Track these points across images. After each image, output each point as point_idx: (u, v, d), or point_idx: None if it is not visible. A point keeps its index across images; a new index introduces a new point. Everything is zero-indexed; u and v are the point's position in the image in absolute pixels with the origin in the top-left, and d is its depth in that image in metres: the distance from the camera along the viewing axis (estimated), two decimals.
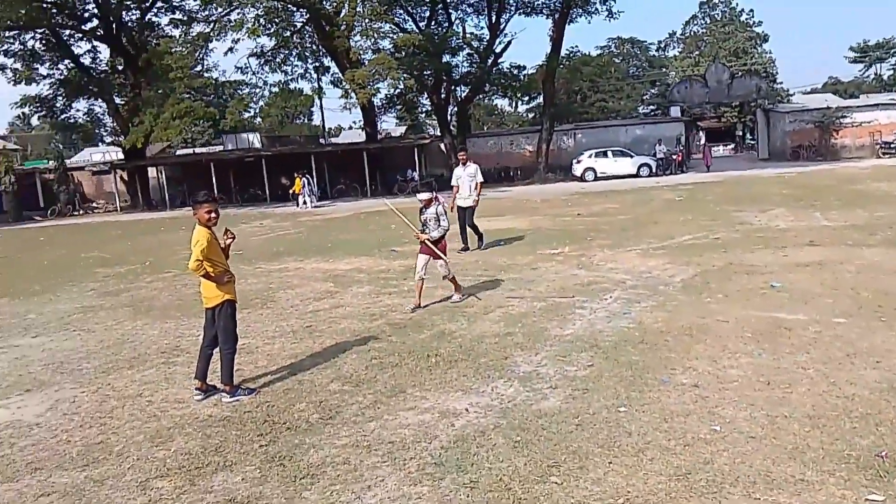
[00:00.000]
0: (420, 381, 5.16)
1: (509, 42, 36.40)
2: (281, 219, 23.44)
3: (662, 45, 74.21)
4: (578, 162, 33.64)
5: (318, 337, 6.72)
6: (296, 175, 29.31)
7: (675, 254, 10.16)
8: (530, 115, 63.52)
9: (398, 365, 5.62)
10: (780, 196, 17.78)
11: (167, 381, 5.65)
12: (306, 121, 76.02)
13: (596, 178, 32.59)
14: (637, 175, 32.26)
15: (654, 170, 32.83)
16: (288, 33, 34.74)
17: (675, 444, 3.81)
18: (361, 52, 32.21)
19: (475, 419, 4.35)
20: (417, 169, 35.90)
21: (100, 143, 49.80)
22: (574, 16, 36.07)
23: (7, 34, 35.52)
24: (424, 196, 7.78)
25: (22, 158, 46.94)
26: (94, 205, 42.46)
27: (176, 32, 37.79)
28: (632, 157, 33.41)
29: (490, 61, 36.48)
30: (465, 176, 11.92)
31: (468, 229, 11.93)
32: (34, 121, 70.74)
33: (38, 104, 40.10)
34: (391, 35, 32.85)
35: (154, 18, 38.89)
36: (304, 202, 28.61)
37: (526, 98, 47.29)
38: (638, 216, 15.90)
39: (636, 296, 7.56)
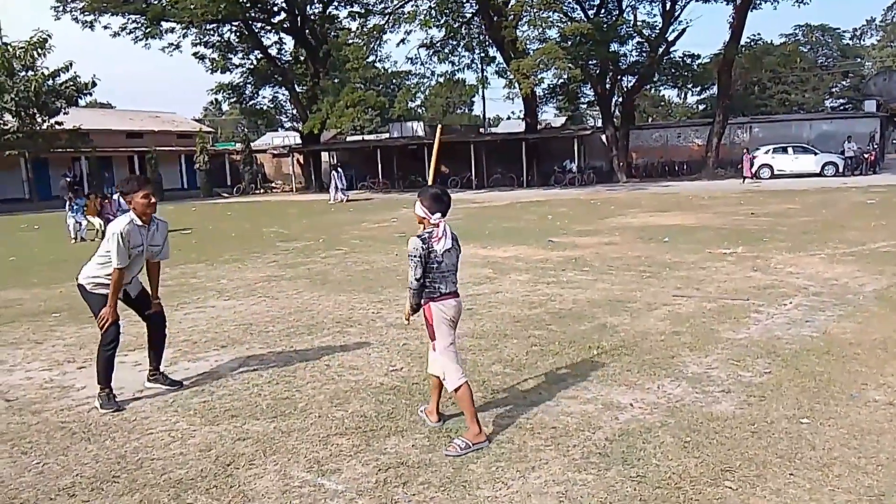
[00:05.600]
0: (581, 372, 5.13)
1: (684, 30, 34.65)
2: None
3: (858, 34, 67.26)
4: (753, 158, 31.47)
5: (479, 320, 6.87)
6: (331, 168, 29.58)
7: (866, 261, 9.24)
8: (700, 107, 60.23)
9: (558, 353, 5.62)
10: None
11: (342, 348, 6.06)
12: (467, 111, 77.48)
13: (772, 177, 30.32)
14: (821, 174, 29.62)
15: (840, 169, 29.94)
16: (457, 24, 35.54)
17: (866, 464, 3.51)
18: (528, 41, 32.22)
19: (640, 415, 4.26)
20: (576, 160, 35.41)
21: (279, 129, 53.91)
22: (758, 2, 33.63)
23: (208, 27, 39.46)
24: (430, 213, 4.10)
25: (213, 140, 51.95)
26: (273, 184, 46.16)
27: (353, 25, 39.98)
28: (815, 154, 30.68)
29: (661, 50, 34.99)
30: None
31: None
32: (225, 106, 78.13)
33: (230, 91, 44.23)
34: (559, 24, 32.55)
35: (334, 11, 41.41)
36: (338, 196, 28.97)
37: (697, 89, 44.82)
38: (822, 219, 14.61)
39: (820, 303, 6.98)
